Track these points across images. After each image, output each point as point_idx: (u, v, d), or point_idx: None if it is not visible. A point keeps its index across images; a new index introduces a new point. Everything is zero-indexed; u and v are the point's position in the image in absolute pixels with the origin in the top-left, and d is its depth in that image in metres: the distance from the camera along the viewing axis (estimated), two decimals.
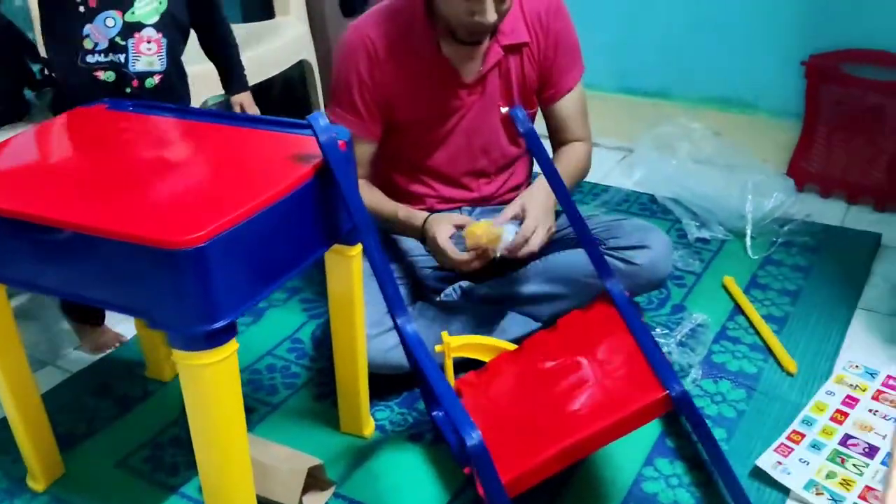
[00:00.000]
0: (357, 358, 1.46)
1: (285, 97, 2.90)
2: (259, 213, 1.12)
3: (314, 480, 1.40)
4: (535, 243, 1.53)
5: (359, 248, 1.35)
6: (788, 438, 1.50)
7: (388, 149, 1.72)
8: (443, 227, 1.58)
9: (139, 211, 1.12)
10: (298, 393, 1.66)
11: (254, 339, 1.82)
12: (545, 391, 1.34)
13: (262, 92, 2.86)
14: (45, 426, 1.43)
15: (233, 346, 1.12)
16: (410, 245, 1.74)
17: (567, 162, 1.71)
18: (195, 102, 2.11)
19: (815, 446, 1.48)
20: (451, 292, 1.75)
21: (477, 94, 1.67)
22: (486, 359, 1.49)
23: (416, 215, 1.64)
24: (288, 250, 1.21)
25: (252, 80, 2.31)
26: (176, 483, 1.45)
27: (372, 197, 1.68)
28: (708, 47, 2.55)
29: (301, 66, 2.50)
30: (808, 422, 1.54)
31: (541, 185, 1.57)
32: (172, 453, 1.52)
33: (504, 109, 1.69)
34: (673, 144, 2.47)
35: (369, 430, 1.54)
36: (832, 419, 1.54)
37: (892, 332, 1.78)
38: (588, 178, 2.47)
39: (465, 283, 1.75)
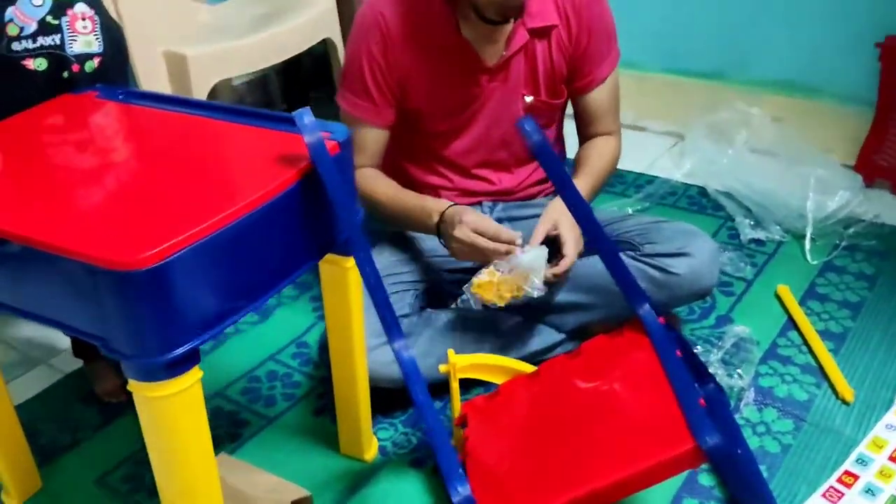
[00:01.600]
0: (356, 376, 1.32)
1: (315, 77, 2.77)
2: (229, 225, 0.98)
3: None
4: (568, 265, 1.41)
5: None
6: (839, 481, 1.32)
7: (402, 137, 1.57)
8: (473, 214, 1.42)
9: (92, 222, 1.00)
10: (298, 406, 1.53)
11: (257, 341, 1.71)
12: (560, 427, 1.19)
13: (289, 70, 2.74)
14: (19, 441, 1.34)
15: (195, 374, 0.99)
16: (429, 245, 1.59)
17: (596, 159, 1.54)
18: (203, 87, 1.99)
19: (870, 491, 1.30)
20: (468, 298, 1.59)
21: (499, 81, 1.50)
22: (497, 381, 1.34)
23: (437, 202, 1.48)
24: (267, 265, 1.07)
25: (269, 60, 2.19)
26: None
27: (381, 187, 1.53)
28: (769, 25, 2.31)
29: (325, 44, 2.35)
30: (863, 461, 1.35)
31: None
32: (215, 425, 1.41)
33: (528, 98, 1.52)
34: (728, 132, 2.25)
35: (371, 453, 1.41)
36: (892, 458, 1.36)
37: None
38: (632, 167, 2.31)
39: None
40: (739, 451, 1.32)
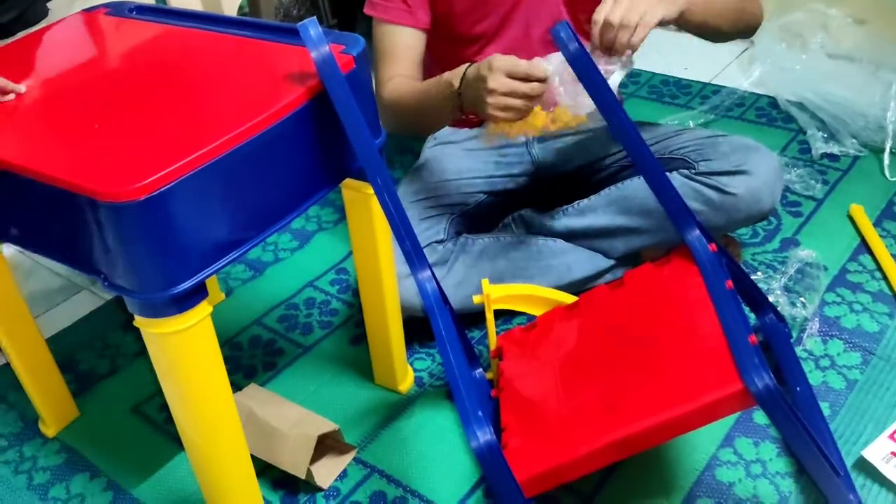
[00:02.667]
0: (386, 305, 1.26)
1: None
2: (229, 152, 0.91)
3: (332, 443, 1.24)
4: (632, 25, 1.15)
5: None
6: None
7: (435, 49, 1.46)
8: (500, 58, 1.18)
9: (88, 149, 0.94)
10: (335, 334, 1.49)
11: (296, 267, 1.66)
12: (600, 363, 1.10)
13: None
14: (52, 371, 1.33)
15: (203, 310, 0.94)
16: (464, 165, 1.50)
17: None
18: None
19: None
20: (509, 222, 1.51)
21: None
22: (535, 312, 1.26)
23: (454, 71, 1.26)
24: (275, 193, 1.00)
25: None
26: (246, 385, 1.35)
27: (406, 87, 1.37)
28: None
29: None
30: None
31: None
32: (251, 353, 1.44)
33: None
34: (803, 35, 2.06)
35: (406, 384, 1.36)
36: None
37: None
38: (696, 76, 2.14)
39: (526, 212, 1.50)
40: (798, 390, 1.22)
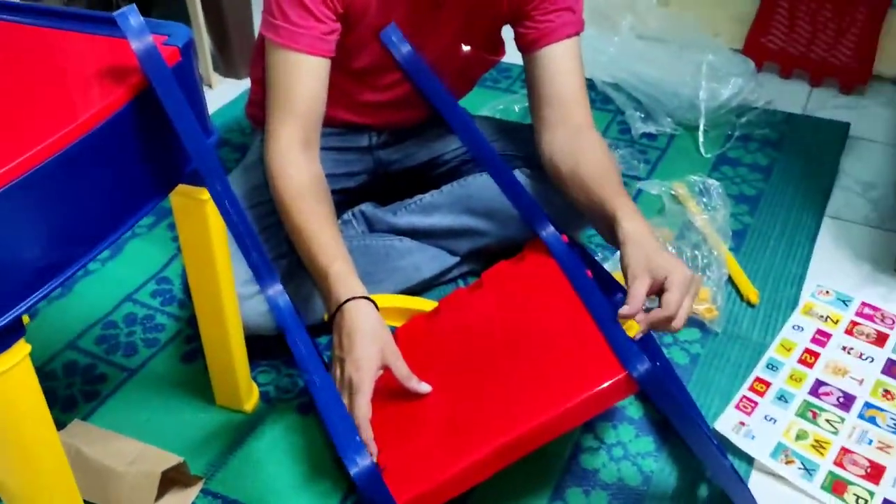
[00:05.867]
0: (227, 320, 1.14)
1: None
2: (35, 169, 0.77)
3: (175, 476, 1.12)
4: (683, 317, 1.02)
5: None
6: (751, 389, 1.27)
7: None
8: (394, 355, 1.03)
9: None
10: (163, 352, 1.35)
11: (110, 280, 1.49)
12: (473, 370, 1.05)
13: None
14: None
15: (20, 350, 0.80)
16: None
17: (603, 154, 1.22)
18: None
19: (782, 398, 1.25)
20: (349, 218, 1.43)
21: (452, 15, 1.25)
22: (394, 324, 1.20)
23: (348, 280, 1.08)
24: (95, 210, 0.85)
25: None
26: (66, 420, 1.19)
27: (299, 212, 1.13)
28: None
29: None
30: (773, 366, 1.31)
31: (641, 227, 1.07)
32: (68, 383, 1.28)
33: (465, 48, 1.31)
34: (613, 17, 2.12)
35: (251, 402, 1.25)
36: (801, 361, 1.31)
37: (865, 245, 1.55)
38: (517, 60, 2.14)
39: (367, 208, 1.43)
40: (658, 364, 1.24)
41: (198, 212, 1.03)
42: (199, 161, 0.91)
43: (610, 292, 1.09)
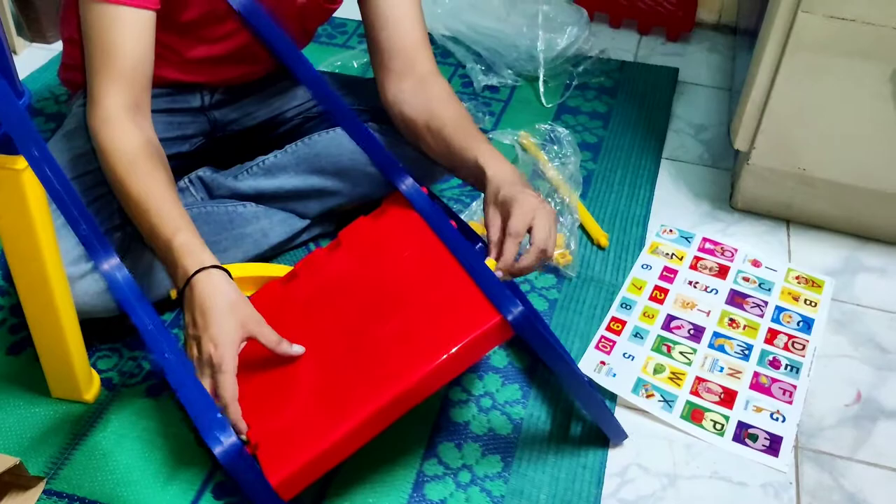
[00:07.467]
0: (57, 304, 1.03)
1: None
2: None
3: (11, 479, 1.01)
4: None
5: None
6: (608, 329, 1.29)
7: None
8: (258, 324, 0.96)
9: None
10: None
11: None
12: (342, 333, 1.00)
13: None
14: None
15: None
16: None
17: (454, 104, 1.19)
18: None
19: (638, 335, 1.29)
20: (186, 186, 1.33)
21: None
22: (247, 292, 1.12)
23: (195, 250, 0.98)
24: None
25: None
26: None
27: (147, 185, 1.02)
28: None
29: None
30: (626, 305, 1.34)
31: (506, 169, 1.06)
32: None
33: None
34: None
35: (92, 392, 1.14)
36: (652, 298, 1.35)
37: (702, 184, 1.61)
38: (346, 14, 2.07)
39: (205, 172, 1.34)
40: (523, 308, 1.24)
41: (13, 183, 0.92)
42: (10, 125, 0.81)
43: (472, 241, 1.07)
